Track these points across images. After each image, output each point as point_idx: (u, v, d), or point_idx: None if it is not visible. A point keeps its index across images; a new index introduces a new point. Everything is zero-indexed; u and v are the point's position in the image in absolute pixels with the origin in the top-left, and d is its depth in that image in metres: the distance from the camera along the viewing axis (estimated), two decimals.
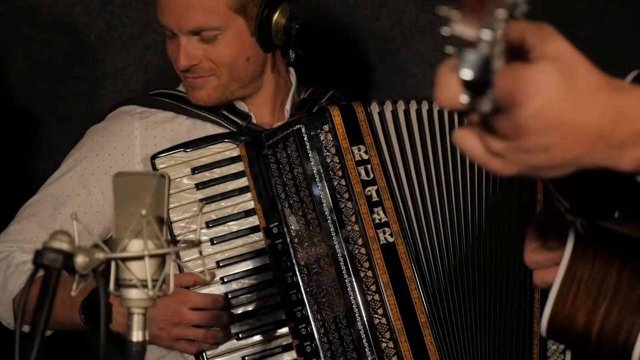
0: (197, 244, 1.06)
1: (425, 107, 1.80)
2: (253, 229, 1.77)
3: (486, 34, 0.72)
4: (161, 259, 1.03)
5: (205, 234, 1.74)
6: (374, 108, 1.78)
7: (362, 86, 2.61)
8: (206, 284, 1.72)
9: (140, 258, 1.00)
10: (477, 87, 0.75)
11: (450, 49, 0.74)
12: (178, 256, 1.06)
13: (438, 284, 1.71)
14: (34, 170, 2.55)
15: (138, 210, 1.01)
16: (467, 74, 0.73)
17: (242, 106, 1.91)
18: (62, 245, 0.96)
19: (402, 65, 2.62)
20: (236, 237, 1.77)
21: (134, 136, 1.87)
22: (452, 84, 0.76)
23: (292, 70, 1.99)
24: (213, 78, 1.84)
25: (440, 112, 1.80)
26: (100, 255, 0.99)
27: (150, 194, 1.03)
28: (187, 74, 1.84)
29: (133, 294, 1.02)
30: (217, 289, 1.75)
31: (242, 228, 1.77)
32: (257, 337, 1.76)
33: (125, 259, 1.01)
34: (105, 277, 1.01)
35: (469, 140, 0.81)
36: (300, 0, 1.88)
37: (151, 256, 1.00)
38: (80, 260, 0.97)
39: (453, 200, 1.76)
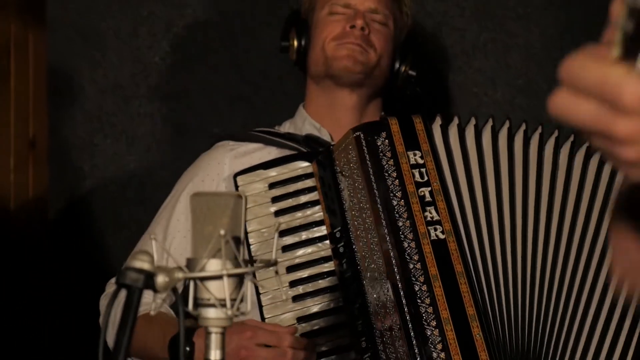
0: (273, 263, 1.07)
1: (505, 126, 1.85)
2: (321, 238, 1.87)
3: None
4: (239, 278, 1.04)
5: (278, 243, 1.85)
6: (436, 121, 1.85)
7: (423, 104, 2.61)
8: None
9: (218, 277, 1.01)
10: None
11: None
12: (254, 275, 1.07)
13: (489, 286, 1.72)
14: (102, 189, 2.58)
15: (216, 230, 1.02)
16: None
17: (325, 135, 2.04)
18: (144, 265, 0.97)
19: (463, 84, 2.62)
20: (305, 246, 1.87)
21: (224, 163, 2.02)
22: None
23: (380, 104, 2.12)
24: (369, 51, 2.01)
25: (526, 132, 1.84)
26: (179, 275, 1.00)
27: (228, 214, 1.04)
28: (352, 36, 2.00)
29: (211, 313, 1.02)
30: (285, 292, 1.82)
31: (312, 237, 1.87)
32: (321, 338, 1.81)
33: (203, 279, 1.02)
34: (184, 296, 1.02)
35: None
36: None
37: (230, 275, 1.01)
38: (160, 279, 0.98)
39: (520, 212, 1.78)
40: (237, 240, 1.04)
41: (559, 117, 0.74)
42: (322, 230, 1.87)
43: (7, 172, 2.46)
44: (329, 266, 1.84)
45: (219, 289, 1.02)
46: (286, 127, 2.12)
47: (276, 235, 1.09)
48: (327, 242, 1.86)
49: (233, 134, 2.13)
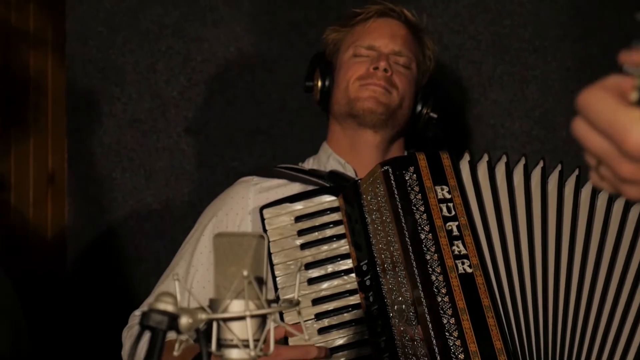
0: (295, 303, 1.07)
1: (540, 165, 1.85)
2: (347, 271, 1.86)
3: None
4: (261, 319, 1.04)
5: (303, 276, 1.87)
6: (465, 158, 1.85)
7: (445, 144, 2.62)
8: (294, 335, 1.77)
9: (241, 318, 1.01)
10: None
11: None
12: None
13: (517, 319, 1.72)
14: (121, 223, 2.59)
15: (238, 270, 1.02)
16: None
17: (349, 171, 2.08)
18: (167, 306, 0.97)
19: (480, 116, 2.62)
20: (331, 279, 1.87)
21: (248, 197, 2.05)
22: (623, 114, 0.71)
23: (403, 144, 2.15)
24: (391, 94, 2.06)
25: (561, 173, 1.85)
26: (202, 316, 1.01)
27: (250, 255, 1.04)
28: (375, 78, 2.05)
29: (234, 354, 1.02)
30: (311, 325, 1.83)
31: (337, 270, 1.87)
32: None
33: (226, 320, 1.02)
34: (207, 337, 1.02)
35: None
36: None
37: (252, 316, 1.01)
38: (184, 321, 0.98)
39: (554, 261, 1.79)
40: (259, 281, 1.04)
41: (578, 141, 0.76)
42: (348, 264, 1.86)
43: (27, 206, 2.47)
44: (354, 299, 1.84)
45: (242, 330, 1.02)
46: (310, 164, 2.15)
47: (298, 275, 1.08)
48: (353, 275, 1.85)
49: (257, 169, 2.15)
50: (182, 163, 2.58)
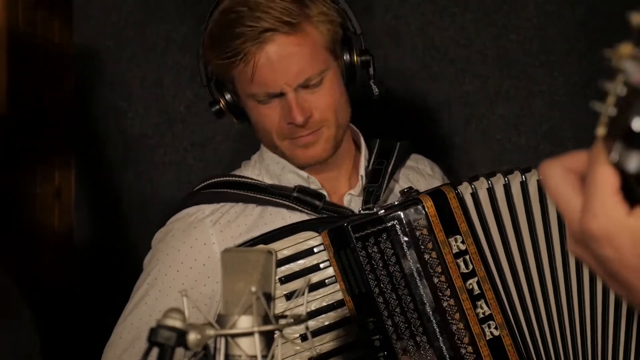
0: (304, 319, 1.07)
1: (534, 176, 1.67)
2: (344, 322, 1.66)
3: None
4: (269, 335, 1.04)
5: (296, 331, 1.62)
6: (466, 189, 1.65)
7: (447, 151, 2.62)
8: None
9: (249, 334, 1.01)
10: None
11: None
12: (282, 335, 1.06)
13: None
14: (127, 237, 2.59)
15: (246, 286, 1.02)
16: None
17: (315, 183, 1.79)
18: (176, 323, 0.97)
19: (487, 130, 2.62)
20: (328, 332, 1.66)
21: (212, 242, 1.73)
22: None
23: (358, 131, 1.88)
24: (324, 129, 1.71)
25: None
26: (211, 332, 1.01)
27: (259, 270, 1.04)
28: (299, 132, 1.70)
29: None
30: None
31: (334, 322, 1.66)
32: None
33: (235, 335, 1.02)
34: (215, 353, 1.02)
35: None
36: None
37: (261, 332, 1.01)
38: (192, 337, 0.98)
39: (564, 281, 1.67)
40: (267, 297, 1.04)
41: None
42: (344, 312, 1.66)
43: (33, 221, 2.47)
44: (356, 354, 1.65)
45: (250, 346, 1.02)
46: (256, 169, 1.84)
47: (306, 290, 1.08)
48: (349, 326, 1.66)
49: (203, 194, 1.80)
50: (189, 177, 2.58)
